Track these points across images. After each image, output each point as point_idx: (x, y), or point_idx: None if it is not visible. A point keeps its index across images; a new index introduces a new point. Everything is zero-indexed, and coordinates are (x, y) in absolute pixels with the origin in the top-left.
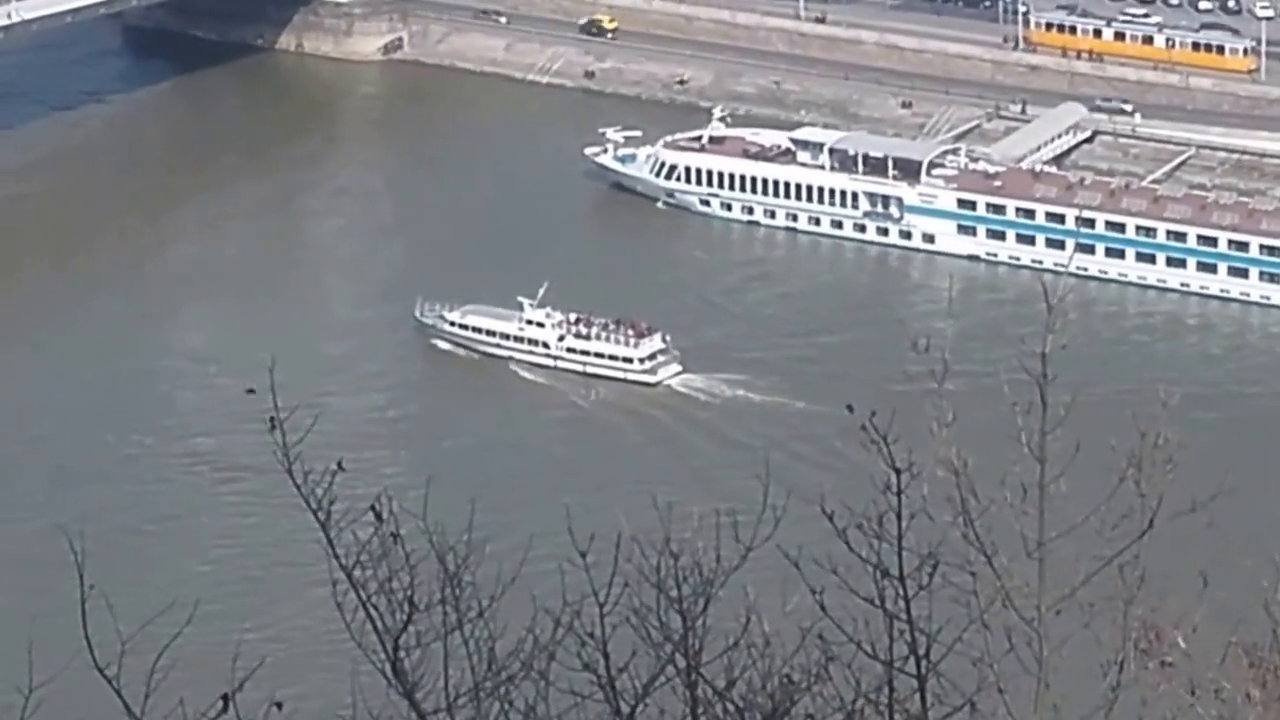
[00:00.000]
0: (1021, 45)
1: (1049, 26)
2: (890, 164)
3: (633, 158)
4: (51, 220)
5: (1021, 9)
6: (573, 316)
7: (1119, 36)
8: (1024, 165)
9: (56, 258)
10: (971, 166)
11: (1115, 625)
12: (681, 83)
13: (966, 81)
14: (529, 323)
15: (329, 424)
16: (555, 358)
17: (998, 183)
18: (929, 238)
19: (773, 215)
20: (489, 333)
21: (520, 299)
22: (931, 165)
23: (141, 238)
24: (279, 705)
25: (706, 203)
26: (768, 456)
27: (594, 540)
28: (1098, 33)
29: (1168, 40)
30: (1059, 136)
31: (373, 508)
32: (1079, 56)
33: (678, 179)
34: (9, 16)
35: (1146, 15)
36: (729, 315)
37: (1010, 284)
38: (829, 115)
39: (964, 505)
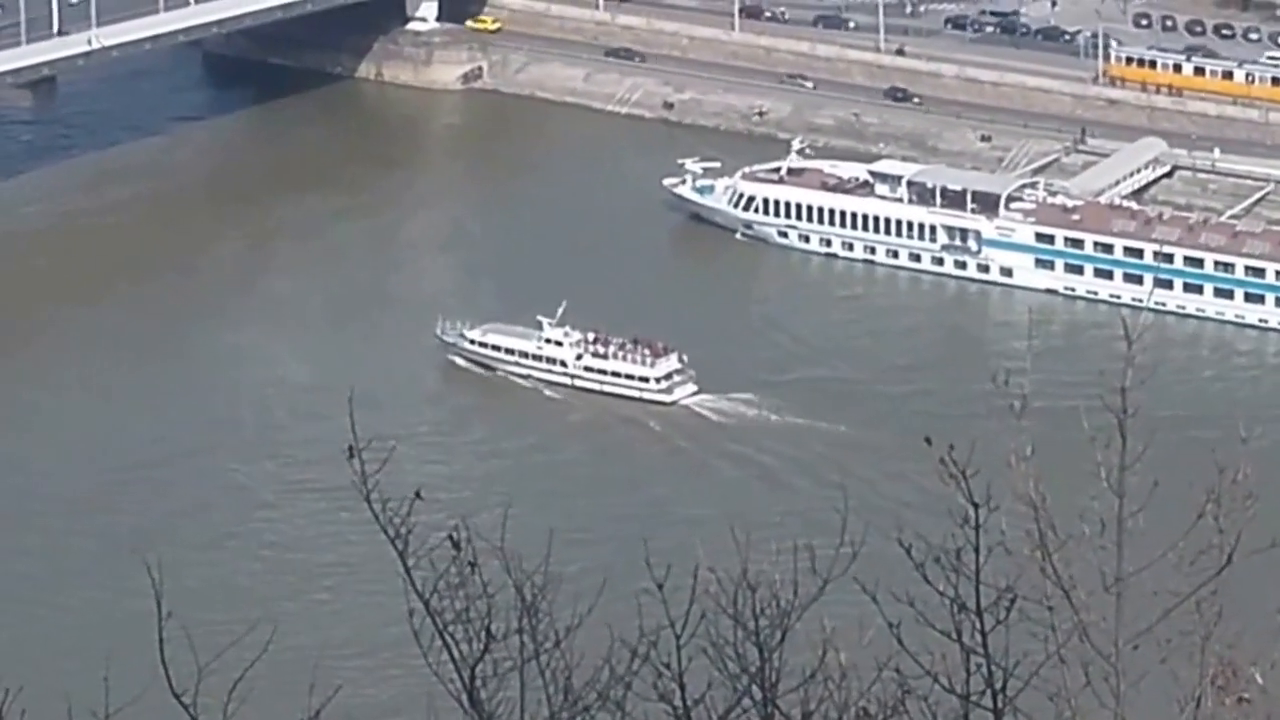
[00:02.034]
0: (1102, 80)
1: (1129, 61)
2: (968, 197)
3: (711, 189)
4: (138, 244)
5: (1104, 44)
6: (590, 336)
7: (1199, 71)
8: (1103, 200)
9: (144, 280)
10: (1050, 200)
11: (1192, 661)
12: (760, 114)
13: (1045, 115)
14: (547, 341)
15: (406, 449)
16: (573, 376)
17: (1076, 217)
18: (1007, 271)
19: (850, 248)
20: (508, 351)
21: (539, 318)
22: (1010, 199)
23: (229, 265)
24: None
25: (784, 234)
26: (845, 487)
27: (671, 571)
28: (1178, 68)
29: (1247, 75)
30: (1138, 171)
31: (450, 537)
32: (1159, 91)
33: (756, 210)
34: (89, 43)
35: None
36: (791, 343)
37: (1088, 319)
38: (907, 148)
39: (1042, 539)
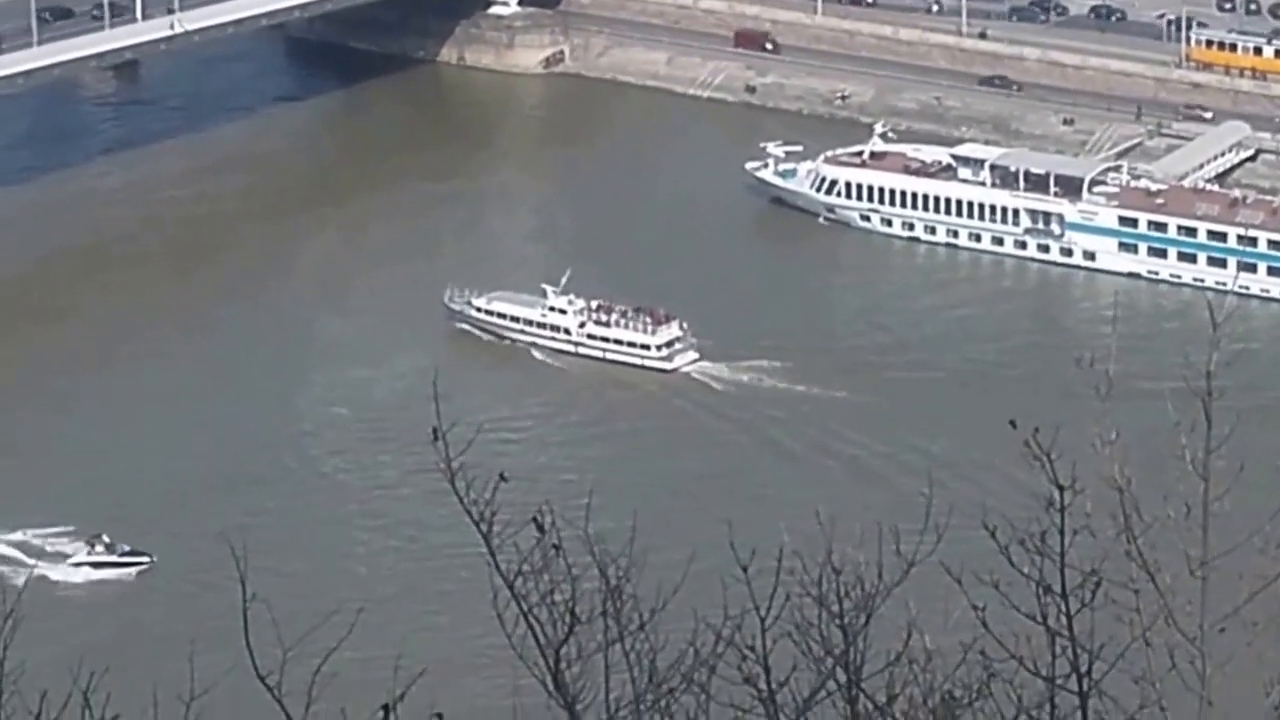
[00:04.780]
0: (1184, 63)
1: (1209, 44)
2: (1051, 181)
3: (793, 172)
4: (224, 230)
5: (1185, 27)
6: (594, 303)
7: None
8: (1186, 183)
9: (234, 257)
10: (1133, 184)
11: (1278, 644)
12: (843, 98)
13: (1128, 98)
14: (551, 309)
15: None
16: (576, 344)
17: (1160, 200)
18: (1090, 255)
19: (933, 231)
20: (513, 318)
21: (544, 285)
22: (1093, 182)
23: (316, 251)
24: (439, 716)
25: (867, 218)
26: (930, 470)
27: (756, 554)
28: (1258, 50)
29: None
30: (1221, 154)
31: (534, 519)
32: (1241, 74)
33: (838, 194)
34: (172, 27)
35: None
36: (874, 328)
37: (1171, 302)
38: (990, 131)
39: (1127, 523)
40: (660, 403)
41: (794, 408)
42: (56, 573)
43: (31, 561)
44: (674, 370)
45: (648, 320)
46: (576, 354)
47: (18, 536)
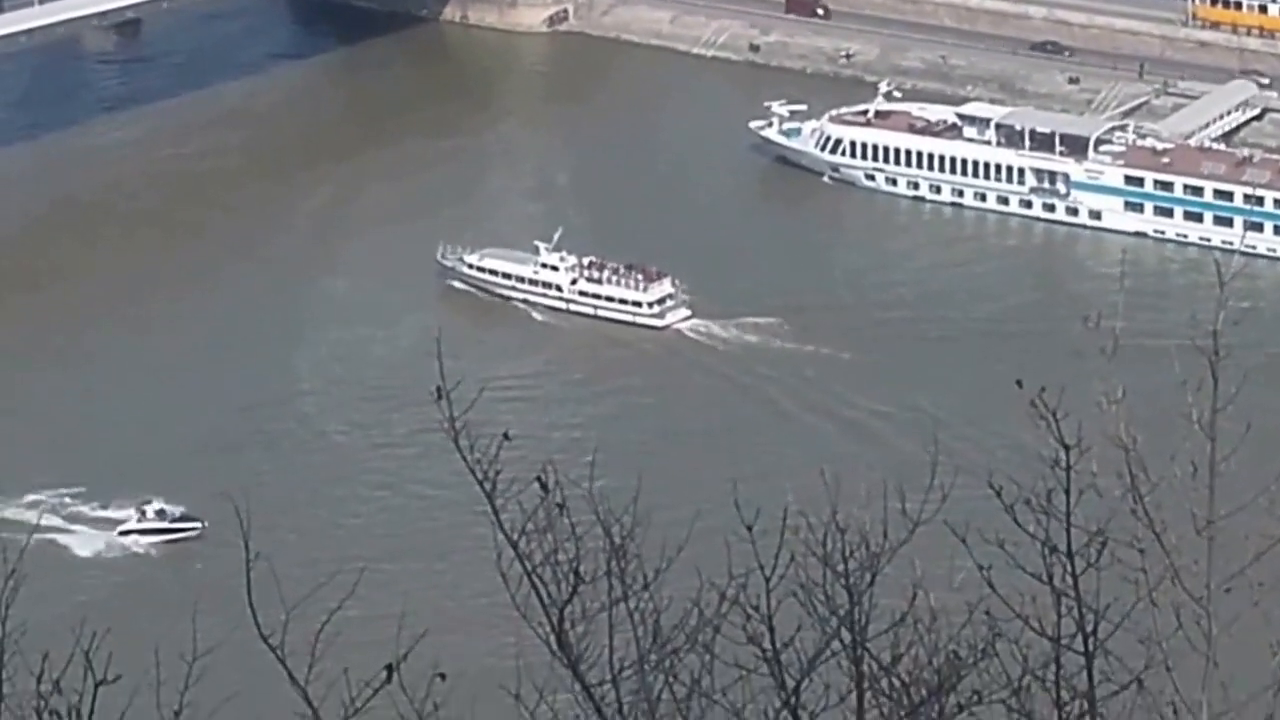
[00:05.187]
0: (1191, 21)
1: (1214, 2)
2: (1057, 140)
3: (797, 131)
4: (225, 186)
5: None
6: (586, 260)
7: None
8: (1192, 142)
9: (235, 223)
10: (1139, 143)
11: None
12: (848, 57)
13: (1134, 57)
14: (543, 266)
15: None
16: (568, 301)
17: (1166, 159)
18: (1095, 214)
19: (938, 190)
20: (505, 275)
21: (536, 243)
22: (1099, 141)
23: (317, 209)
24: (442, 676)
25: (871, 177)
26: (935, 429)
27: (760, 513)
28: (1263, 8)
29: None
30: (1229, 114)
31: (538, 478)
32: (1249, 33)
33: (843, 153)
34: None
35: None
36: (878, 287)
37: (1177, 262)
38: (995, 91)
39: (1133, 482)
40: (654, 360)
41: (788, 365)
42: (103, 541)
43: (78, 529)
44: (665, 327)
45: (640, 277)
46: (568, 311)
47: (64, 502)
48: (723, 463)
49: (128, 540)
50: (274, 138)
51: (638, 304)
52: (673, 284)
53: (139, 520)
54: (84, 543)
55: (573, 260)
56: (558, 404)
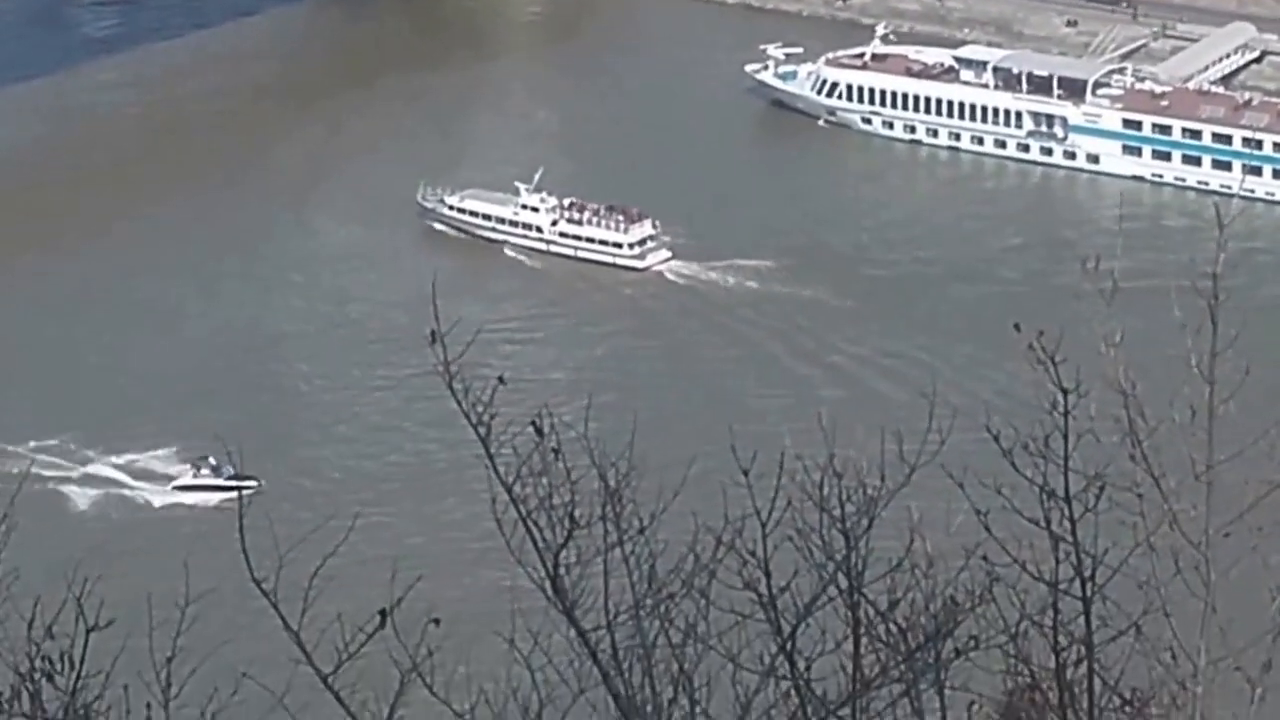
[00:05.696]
0: None
1: None
2: (1055, 83)
3: (794, 75)
4: (213, 132)
5: None
6: (566, 201)
7: None
8: (1191, 85)
9: (218, 169)
10: (1138, 86)
11: None
12: (844, 0)
13: None
14: (524, 207)
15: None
16: (548, 242)
17: (1164, 103)
18: (1093, 158)
19: (935, 134)
20: (485, 216)
21: (517, 184)
22: (1097, 85)
23: (304, 155)
24: (436, 621)
25: (868, 121)
26: (934, 375)
27: (757, 458)
28: None
29: None
30: (1227, 57)
31: (533, 423)
32: None
33: (839, 97)
34: None
35: None
36: (873, 231)
37: (1175, 205)
38: (993, 33)
39: (1132, 427)
40: (637, 303)
41: (772, 307)
42: (160, 497)
43: (136, 484)
44: (646, 269)
45: (620, 219)
46: (549, 252)
47: (125, 458)
48: (716, 407)
49: (183, 497)
50: (265, 78)
51: (618, 245)
52: (653, 225)
53: (194, 476)
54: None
55: (553, 201)
56: (542, 347)
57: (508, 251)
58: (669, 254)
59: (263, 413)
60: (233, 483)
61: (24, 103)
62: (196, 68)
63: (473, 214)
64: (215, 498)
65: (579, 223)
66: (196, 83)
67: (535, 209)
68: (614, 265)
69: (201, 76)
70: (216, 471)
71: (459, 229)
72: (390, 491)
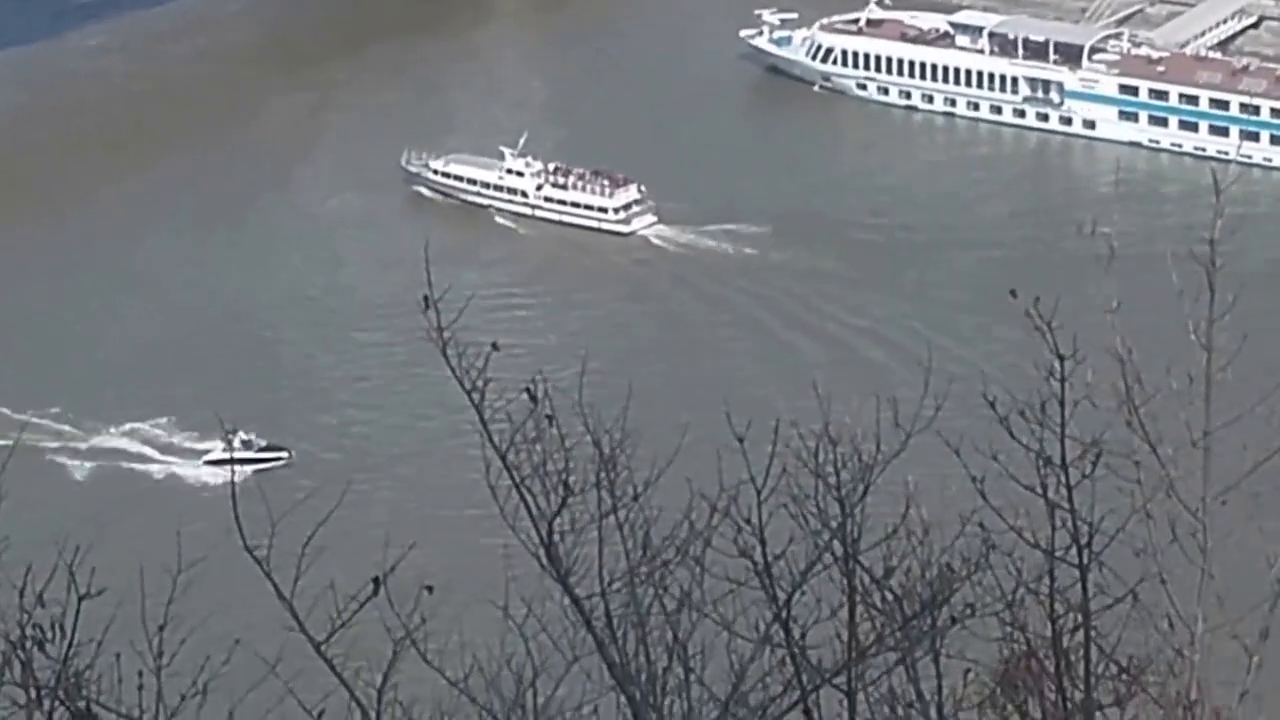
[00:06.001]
0: None
1: None
2: (1051, 48)
3: (788, 40)
4: (197, 99)
5: None
6: (551, 166)
7: None
8: (1188, 50)
9: (204, 137)
10: (1134, 51)
11: None
12: None
13: None
14: (509, 171)
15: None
16: (533, 206)
17: (1161, 68)
18: (1090, 124)
19: (930, 100)
20: (470, 181)
21: (502, 148)
22: (1093, 50)
23: (288, 122)
24: (429, 589)
25: (863, 86)
26: (929, 342)
27: (751, 425)
28: None
29: None
30: (1224, 21)
31: (527, 389)
32: None
33: (834, 62)
34: None
35: None
36: (867, 196)
37: (1172, 172)
38: None
39: (1129, 393)
40: (623, 269)
41: (762, 273)
42: (189, 470)
43: (165, 458)
44: (631, 234)
45: (605, 183)
46: (534, 217)
47: (149, 430)
48: (709, 374)
49: (216, 470)
50: (252, 43)
51: (603, 210)
52: (639, 190)
53: (224, 450)
54: (168, 472)
55: (538, 166)
56: (538, 313)
57: (497, 219)
58: (654, 219)
59: (254, 381)
60: (265, 455)
61: (7, 70)
62: (182, 33)
63: (457, 178)
64: (249, 470)
65: (564, 187)
66: (183, 48)
67: (520, 173)
68: (599, 230)
69: (188, 41)
70: (248, 445)
71: (443, 193)
72: (383, 460)
